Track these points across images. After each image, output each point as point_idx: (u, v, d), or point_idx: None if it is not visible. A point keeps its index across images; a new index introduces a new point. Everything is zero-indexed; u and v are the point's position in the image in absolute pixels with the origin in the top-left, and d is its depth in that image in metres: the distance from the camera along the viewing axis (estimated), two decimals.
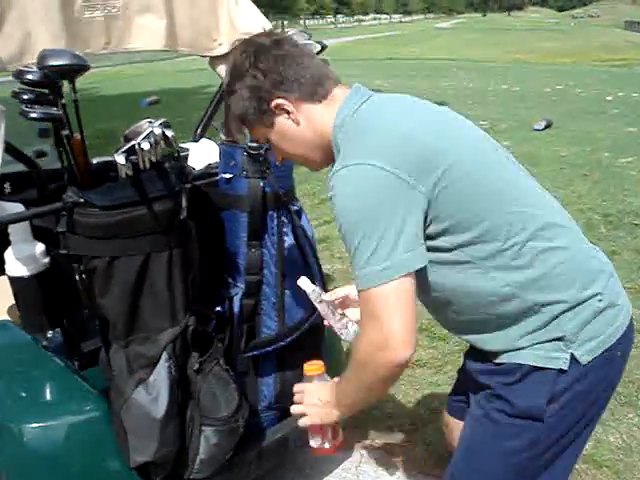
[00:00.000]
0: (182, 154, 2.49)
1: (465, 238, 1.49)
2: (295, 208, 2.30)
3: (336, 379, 1.72)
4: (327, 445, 1.77)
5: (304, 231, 2.31)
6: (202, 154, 2.54)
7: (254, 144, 2.16)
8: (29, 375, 2.26)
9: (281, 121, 1.61)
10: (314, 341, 2.38)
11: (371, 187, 1.44)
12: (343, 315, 1.89)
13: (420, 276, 1.49)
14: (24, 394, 2.18)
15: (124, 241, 1.93)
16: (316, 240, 2.48)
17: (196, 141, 2.71)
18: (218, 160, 2.30)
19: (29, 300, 2.28)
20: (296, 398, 1.77)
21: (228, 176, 2.21)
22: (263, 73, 1.56)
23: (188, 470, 2.14)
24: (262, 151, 2.15)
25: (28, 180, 2.44)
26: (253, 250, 2.24)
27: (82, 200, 1.88)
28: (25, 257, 2.15)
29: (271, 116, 1.60)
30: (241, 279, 2.27)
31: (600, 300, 1.55)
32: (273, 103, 1.58)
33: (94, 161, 2.23)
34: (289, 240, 2.28)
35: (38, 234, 2.23)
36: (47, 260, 2.19)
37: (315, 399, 1.71)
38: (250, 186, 2.19)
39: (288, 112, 1.59)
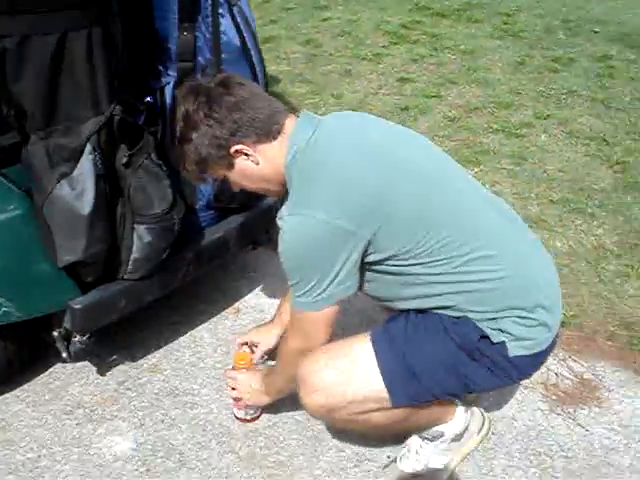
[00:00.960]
0: None
1: (405, 262, 1.63)
2: None
3: (262, 369, 2.10)
4: (248, 417, 2.16)
5: (243, 13, 2.07)
6: None
7: None
8: None
9: (240, 163, 1.68)
10: None
11: (312, 238, 1.57)
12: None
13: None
14: None
15: (35, 17, 1.68)
16: (260, 39, 2.26)
17: None
18: None
19: None
20: (230, 384, 2.09)
21: None
22: (219, 122, 1.62)
23: (122, 270, 2.04)
24: None
25: None
26: (185, 34, 1.99)
27: None
28: None
29: (230, 160, 1.67)
30: (173, 67, 2.04)
31: (535, 319, 1.67)
32: (232, 149, 1.65)
33: None
34: (226, 23, 2.04)
35: None
36: None
37: (248, 387, 2.04)
38: None
39: (247, 154, 1.66)
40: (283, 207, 1.64)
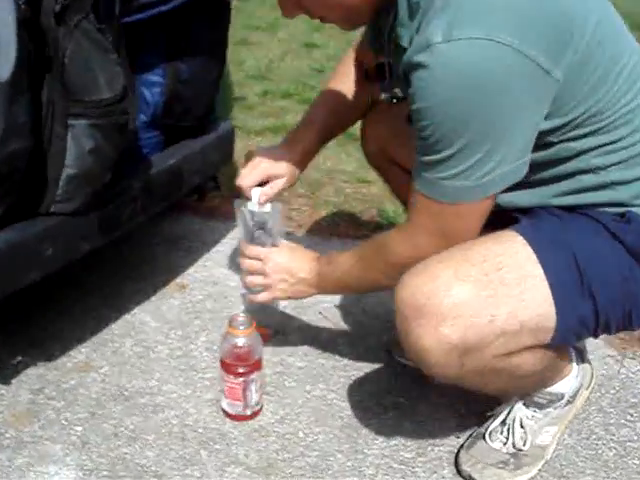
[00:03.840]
0: None
1: (580, 131, 1.09)
2: None
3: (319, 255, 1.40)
4: (248, 412, 1.47)
5: None
6: None
7: None
8: None
9: None
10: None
11: (491, 75, 0.98)
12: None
13: None
14: None
15: None
16: None
17: None
18: None
19: None
20: (252, 265, 1.42)
21: None
22: None
23: (47, 197, 1.32)
24: None
25: None
26: None
27: None
28: None
29: None
30: None
31: None
32: None
33: None
34: None
35: None
36: None
37: (284, 272, 1.40)
38: None
39: None
40: (427, 33, 0.99)
